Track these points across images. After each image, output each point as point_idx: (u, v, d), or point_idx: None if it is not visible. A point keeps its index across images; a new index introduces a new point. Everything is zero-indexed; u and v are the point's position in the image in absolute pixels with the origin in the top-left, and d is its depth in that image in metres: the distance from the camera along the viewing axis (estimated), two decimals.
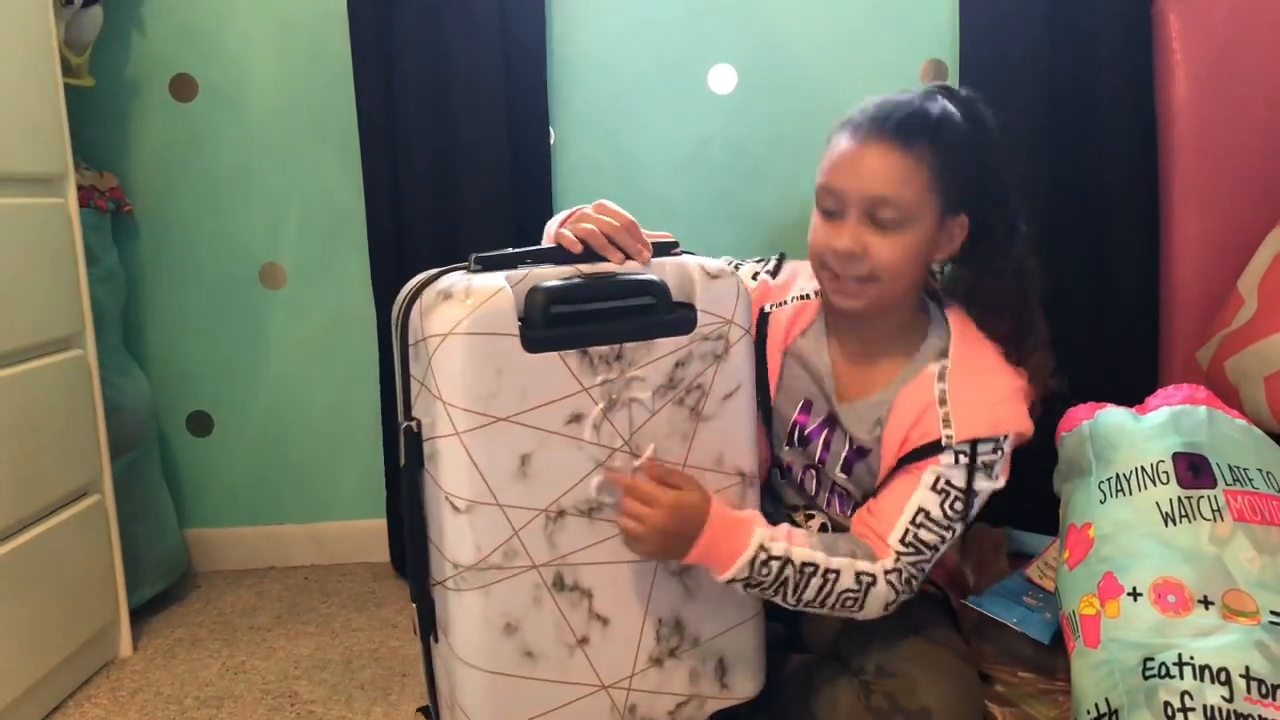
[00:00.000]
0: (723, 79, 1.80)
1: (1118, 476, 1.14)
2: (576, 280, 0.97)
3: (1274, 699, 0.93)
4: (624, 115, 1.81)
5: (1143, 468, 1.12)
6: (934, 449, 1.07)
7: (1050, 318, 1.72)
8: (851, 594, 1.04)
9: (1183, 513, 1.07)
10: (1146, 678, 0.98)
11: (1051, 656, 1.26)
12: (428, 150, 1.71)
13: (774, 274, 1.24)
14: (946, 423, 1.06)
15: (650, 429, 0.99)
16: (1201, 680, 0.95)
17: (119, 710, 1.42)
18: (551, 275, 0.97)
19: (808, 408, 1.18)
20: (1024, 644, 1.29)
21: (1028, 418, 1.09)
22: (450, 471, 0.92)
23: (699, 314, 1.00)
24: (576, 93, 1.80)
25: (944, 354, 1.11)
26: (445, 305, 0.91)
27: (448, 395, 0.90)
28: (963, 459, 1.07)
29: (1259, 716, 0.93)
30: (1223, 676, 0.95)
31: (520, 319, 0.93)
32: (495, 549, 0.93)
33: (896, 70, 1.78)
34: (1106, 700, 1.01)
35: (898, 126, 1.05)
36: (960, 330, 1.13)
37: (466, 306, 0.90)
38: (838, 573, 1.03)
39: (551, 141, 1.78)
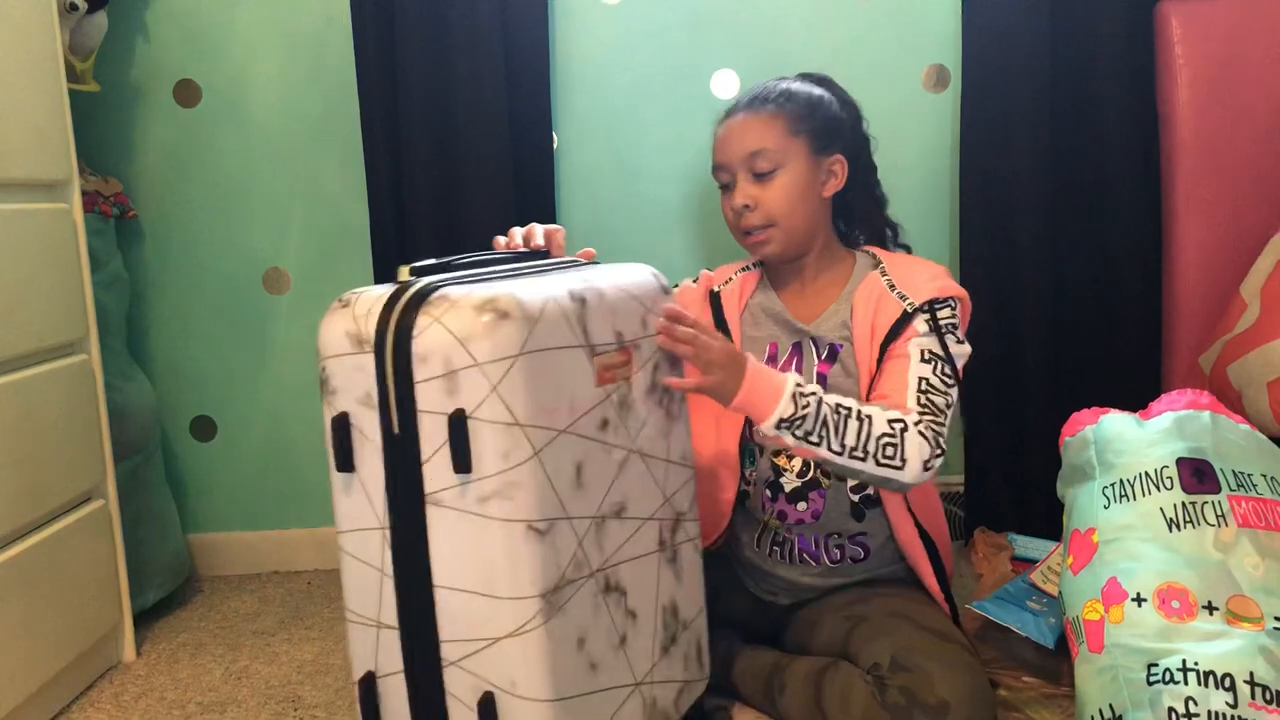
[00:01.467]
0: (726, 84, 1.80)
1: (1121, 482, 1.14)
2: None
3: (1278, 705, 0.93)
4: (627, 120, 1.81)
5: (1147, 473, 1.12)
6: (904, 322, 1.22)
7: (1054, 322, 1.74)
8: (889, 439, 1.12)
9: (1187, 518, 1.07)
10: (1151, 683, 0.98)
11: (1055, 661, 1.26)
12: (430, 155, 1.72)
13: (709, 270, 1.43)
14: (903, 297, 1.24)
15: None
16: (1206, 686, 0.95)
17: (122, 715, 1.42)
18: None
19: (775, 349, 1.31)
20: (1027, 649, 1.30)
21: (962, 289, 1.26)
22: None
23: None
24: (579, 97, 1.81)
25: (876, 265, 1.30)
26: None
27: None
28: (929, 324, 1.22)
29: None
30: (1227, 682, 0.95)
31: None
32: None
33: (899, 75, 1.79)
34: (1111, 706, 1.01)
35: (749, 102, 1.29)
36: (880, 252, 1.34)
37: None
38: (870, 416, 1.12)
39: (554, 146, 1.78)
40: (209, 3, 1.79)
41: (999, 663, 1.29)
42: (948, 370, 1.20)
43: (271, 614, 1.74)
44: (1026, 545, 1.61)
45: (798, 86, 1.30)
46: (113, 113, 1.81)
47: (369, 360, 0.86)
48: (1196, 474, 1.10)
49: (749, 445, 1.33)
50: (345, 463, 0.90)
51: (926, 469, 1.13)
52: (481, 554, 0.86)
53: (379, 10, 1.69)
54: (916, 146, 1.80)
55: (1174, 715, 0.95)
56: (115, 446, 1.56)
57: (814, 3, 1.77)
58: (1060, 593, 1.17)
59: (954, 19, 1.75)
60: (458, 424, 0.83)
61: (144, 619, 1.69)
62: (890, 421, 1.12)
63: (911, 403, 1.17)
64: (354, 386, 0.88)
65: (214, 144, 1.83)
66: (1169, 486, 1.10)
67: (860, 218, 1.37)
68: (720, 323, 1.34)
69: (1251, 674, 0.95)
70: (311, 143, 1.83)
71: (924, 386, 1.18)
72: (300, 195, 1.85)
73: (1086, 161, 1.72)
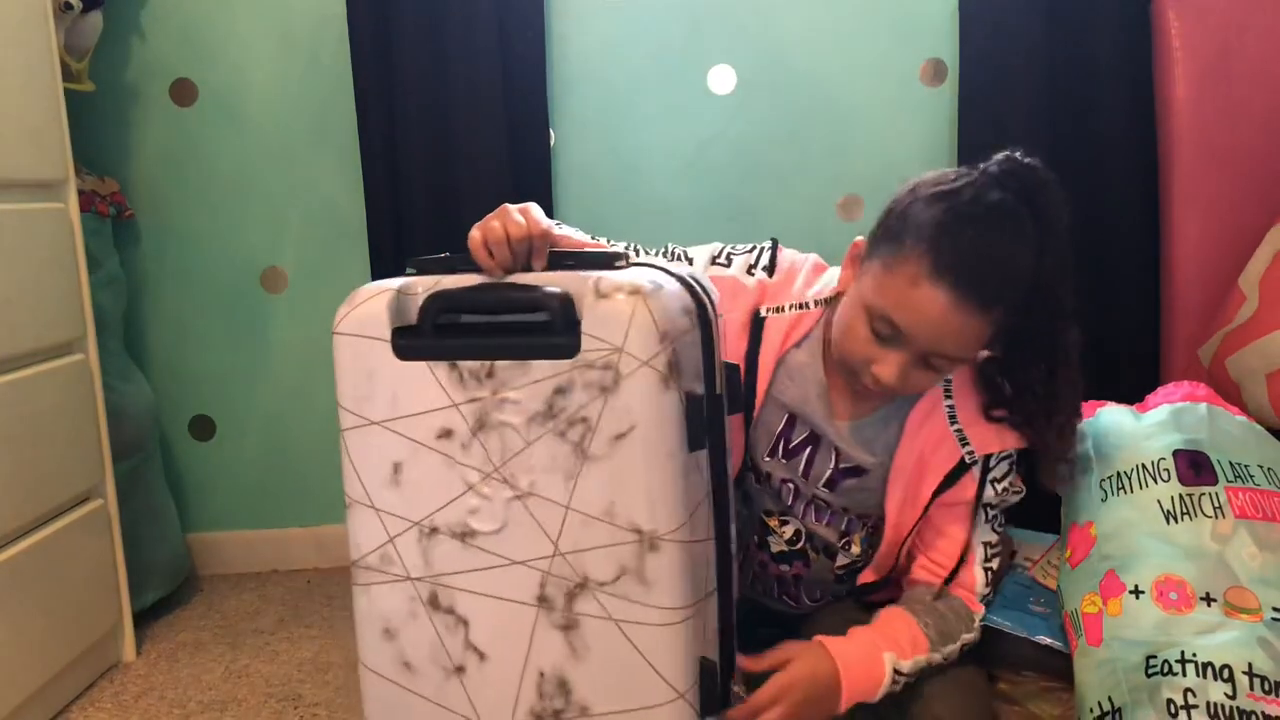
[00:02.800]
0: (722, 79, 1.80)
1: (1119, 475, 1.14)
2: (474, 289, 0.92)
3: (1277, 695, 0.93)
4: (624, 116, 1.81)
5: (1144, 465, 1.12)
6: (960, 471, 1.09)
7: None
8: (957, 657, 1.10)
9: (1184, 510, 1.07)
10: (1149, 675, 0.98)
11: (1054, 657, 1.26)
12: (427, 153, 1.72)
13: (770, 270, 1.15)
14: (962, 439, 1.09)
15: (525, 459, 0.89)
16: (1204, 677, 0.95)
17: (122, 715, 1.42)
18: (465, 281, 0.93)
19: (793, 421, 1.13)
20: (1026, 646, 1.29)
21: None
22: (342, 468, 0.94)
23: (584, 337, 0.87)
24: (576, 94, 1.81)
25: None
26: (341, 305, 0.93)
27: (336, 393, 0.93)
28: (991, 480, 1.11)
29: (1262, 713, 0.92)
30: (1225, 673, 0.95)
31: (404, 325, 0.91)
32: (373, 551, 0.94)
33: (896, 69, 1.79)
34: (1110, 698, 1.01)
35: (985, 292, 0.96)
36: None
37: (346, 307, 0.92)
38: (947, 656, 1.09)
39: (551, 143, 1.78)
40: (204, 2, 1.79)
41: (997, 660, 1.29)
42: (1002, 519, 1.14)
43: (271, 613, 1.74)
44: (1025, 539, 1.61)
45: (1034, 269, 0.98)
46: (109, 112, 1.80)
47: (698, 334, 0.91)
48: (1194, 466, 1.10)
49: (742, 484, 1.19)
50: (700, 439, 0.89)
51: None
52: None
53: (375, 7, 1.69)
54: (914, 141, 1.80)
55: (1173, 707, 0.95)
56: (114, 446, 1.56)
57: None
58: (1058, 586, 1.17)
59: (950, 13, 1.75)
60: (734, 370, 0.96)
61: (144, 618, 1.69)
62: (964, 646, 1.10)
63: (980, 586, 1.12)
64: (690, 362, 0.89)
65: (210, 143, 1.83)
66: (1166, 479, 1.10)
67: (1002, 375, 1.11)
68: (753, 360, 1.11)
69: (1250, 665, 0.94)
70: (308, 141, 1.83)
71: (989, 555, 1.12)
72: (297, 194, 1.85)
73: (1084, 154, 1.72)
